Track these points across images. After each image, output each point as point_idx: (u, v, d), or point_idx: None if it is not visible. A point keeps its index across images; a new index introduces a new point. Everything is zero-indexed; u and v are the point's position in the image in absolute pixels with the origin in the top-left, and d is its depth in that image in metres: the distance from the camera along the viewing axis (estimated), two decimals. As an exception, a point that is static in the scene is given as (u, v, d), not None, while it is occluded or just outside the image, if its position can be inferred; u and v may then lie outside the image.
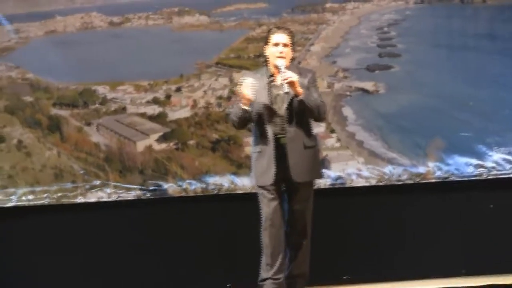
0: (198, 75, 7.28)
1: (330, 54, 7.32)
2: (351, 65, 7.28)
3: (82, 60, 7.30)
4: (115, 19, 7.42)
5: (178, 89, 7.28)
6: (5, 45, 7.32)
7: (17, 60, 7.32)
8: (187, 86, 7.27)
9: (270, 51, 5.07)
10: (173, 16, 7.39)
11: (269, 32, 5.15)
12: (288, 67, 4.95)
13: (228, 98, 7.19)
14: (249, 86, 4.94)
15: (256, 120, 5.07)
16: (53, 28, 7.35)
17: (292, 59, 5.26)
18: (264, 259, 5.23)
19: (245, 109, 5.02)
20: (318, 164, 5.46)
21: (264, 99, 5.07)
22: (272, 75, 5.08)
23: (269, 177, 5.02)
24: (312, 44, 7.29)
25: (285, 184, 5.19)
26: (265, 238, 5.19)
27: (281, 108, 5.06)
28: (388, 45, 7.32)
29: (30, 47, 7.32)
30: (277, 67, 5.02)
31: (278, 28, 5.15)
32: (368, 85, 7.21)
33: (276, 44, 5.02)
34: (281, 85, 4.95)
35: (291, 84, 4.82)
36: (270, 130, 5.01)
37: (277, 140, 5.01)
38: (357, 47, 7.33)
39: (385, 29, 7.35)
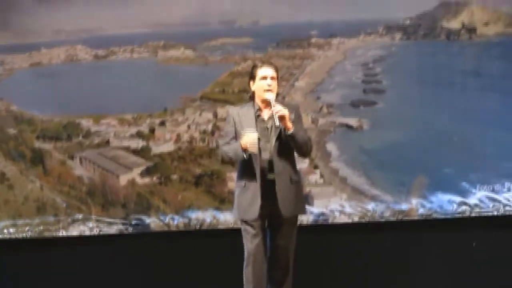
0: (182, 109, 7.43)
1: (314, 89, 7.47)
2: (336, 100, 7.43)
3: (66, 92, 7.47)
4: (100, 52, 7.58)
5: (162, 123, 7.44)
6: None
7: (1, 92, 7.48)
8: (171, 120, 7.42)
9: (258, 85, 5.09)
10: (158, 50, 7.56)
11: (254, 67, 5.17)
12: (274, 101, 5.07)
13: (212, 133, 7.33)
14: (255, 142, 4.98)
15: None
16: (38, 60, 7.52)
17: (277, 94, 5.33)
18: None
19: (245, 158, 5.06)
20: (303, 199, 5.50)
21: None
22: (259, 110, 5.12)
23: (254, 211, 5.02)
24: (296, 79, 7.45)
25: (269, 220, 5.25)
26: (248, 274, 5.25)
27: (270, 143, 5.13)
28: (373, 81, 7.47)
29: (15, 79, 7.49)
30: (265, 101, 5.11)
31: (264, 61, 5.20)
32: (352, 121, 7.36)
33: (264, 78, 5.06)
34: (269, 119, 5.07)
35: (282, 118, 4.84)
36: (257, 166, 5.01)
37: (264, 174, 5.03)
38: (342, 83, 7.48)
39: (370, 65, 7.51)
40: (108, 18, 7.43)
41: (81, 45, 7.58)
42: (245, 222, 5.19)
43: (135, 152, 7.42)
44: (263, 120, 5.17)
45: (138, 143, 7.42)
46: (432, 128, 7.23)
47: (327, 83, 7.50)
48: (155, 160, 7.38)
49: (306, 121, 7.18)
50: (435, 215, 7.16)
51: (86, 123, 7.46)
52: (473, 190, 7.16)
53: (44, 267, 7.21)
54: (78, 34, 7.57)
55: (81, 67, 7.57)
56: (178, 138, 7.39)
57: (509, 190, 7.15)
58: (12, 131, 7.43)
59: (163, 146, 7.40)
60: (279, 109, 4.90)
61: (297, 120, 5.20)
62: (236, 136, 5.16)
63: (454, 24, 7.44)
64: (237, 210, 5.25)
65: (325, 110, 7.39)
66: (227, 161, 5.40)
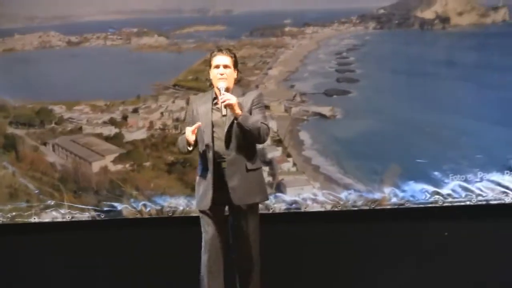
0: (155, 97, 7.64)
1: (288, 78, 7.67)
2: (309, 89, 7.63)
3: (39, 79, 7.69)
4: (73, 39, 7.79)
5: (135, 110, 7.65)
6: None
7: None
8: (144, 107, 7.64)
9: (212, 73, 5.27)
10: (132, 37, 7.77)
11: (211, 55, 5.33)
12: (231, 89, 5.21)
13: (184, 120, 7.49)
14: (190, 137, 5.15)
15: (200, 146, 5.27)
16: (11, 46, 7.72)
17: (238, 81, 5.53)
18: (202, 284, 5.51)
19: (189, 149, 5.29)
20: (263, 187, 5.61)
21: (207, 122, 5.32)
22: (215, 98, 5.26)
23: (207, 201, 5.20)
24: (270, 68, 7.65)
25: (228, 208, 5.44)
26: (204, 262, 5.46)
27: (222, 131, 5.29)
28: (347, 70, 7.67)
29: None
30: (219, 89, 5.28)
31: (219, 50, 5.32)
32: (326, 110, 7.55)
33: (217, 66, 5.22)
34: (221, 107, 5.21)
35: (229, 106, 4.99)
36: (210, 154, 5.18)
37: (217, 164, 5.20)
38: (315, 72, 7.68)
39: (344, 54, 7.70)
40: (81, 5, 7.67)
41: (54, 31, 7.78)
42: (202, 211, 5.39)
43: (108, 139, 7.61)
44: (218, 109, 5.29)
45: (111, 130, 7.61)
46: (405, 117, 7.40)
47: (300, 72, 7.69)
48: (128, 147, 7.58)
49: (279, 109, 7.47)
50: (407, 204, 7.33)
51: (58, 109, 7.66)
52: (446, 180, 7.33)
53: (16, 253, 7.44)
54: (51, 20, 7.76)
55: (54, 53, 7.77)
56: (151, 125, 7.59)
57: (481, 180, 7.31)
58: None
59: (136, 133, 7.60)
60: (226, 98, 5.06)
61: (256, 106, 5.36)
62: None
63: (428, 14, 7.62)
64: (196, 200, 5.49)
65: (298, 98, 7.58)
66: (180, 151, 5.53)
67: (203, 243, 5.45)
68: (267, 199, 5.77)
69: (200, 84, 7.61)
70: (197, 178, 5.44)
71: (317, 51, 7.72)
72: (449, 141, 7.37)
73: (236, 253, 5.49)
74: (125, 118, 7.63)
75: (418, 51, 7.63)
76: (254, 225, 5.44)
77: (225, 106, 5.07)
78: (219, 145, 5.27)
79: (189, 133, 5.14)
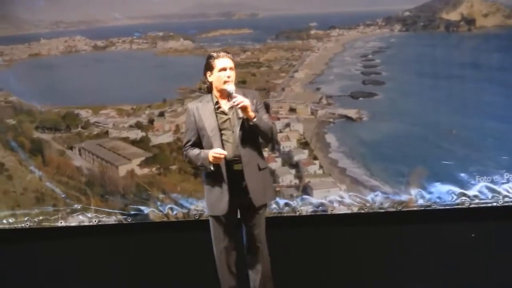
0: (181, 100, 7.79)
1: (314, 81, 7.85)
2: (335, 92, 7.80)
3: (65, 83, 7.88)
4: (99, 43, 7.99)
5: (161, 114, 7.82)
6: None
7: (0, 82, 7.89)
8: (170, 111, 7.81)
9: (217, 76, 5.31)
10: (158, 41, 7.96)
11: (210, 57, 5.37)
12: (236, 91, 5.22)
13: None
14: (221, 158, 5.18)
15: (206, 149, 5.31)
16: (37, 51, 7.92)
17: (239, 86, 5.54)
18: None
19: (212, 169, 5.27)
20: (272, 186, 5.80)
21: (213, 127, 5.33)
22: (217, 102, 5.36)
23: (223, 206, 5.30)
24: (296, 71, 7.82)
25: (240, 211, 5.47)
26: (221, 268, 5.63)
27: (234, 133, 5.32)
28: (372, 72, 7.83)
29: (14, 70, 7.91)
30: (224, 92, 5.32)
31: (220, 52, 5.38)
32: (352, 113, 7.72)
33: (224, 69, 5.28)
34: (230, 109, 5.34)
35: (243, 108, 5.08)
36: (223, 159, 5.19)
37: (230, 166, 5.29)
38: (341, 74, 7.85)
39: (370, 56, 7.87)
40: (107, 9, 7.86)
41: (80, 36, 7.98)
42: (214, 217, 5.49)
43: (134, 142, 7.80)
44: (223, 112, 5.43)
45: (137, 134, 7.80)
46: (431, 119, 7.55)
47: (326, 75, 7.86)
48: (154, 151, 7.76)
49: (305, 112, 7.65)
50: (434, 206, 7.48)
51: (85, 114, 7.85)
52: (472, 181, 7.48)
53: (43, 257, 7.63)
54: (77, 25, 7.96)
55: (80, 58, 7.97)
56: (177, 129, 7.74)
57: (508, 181, 7.46)
58: (11, 121, 7.82)
59: (162, 137, 7.78)
60: (240, 100, 5.17)
61: (259, 106, 5.49)
62: (199, 131, 5.46)
63: (453, 15, 7.79)
64: (207, 206, 5.57)
65: (324, 101, 7.75)
66: (192, 165, 5.75)
67: (216, 250, 5.59)
68: (275, 197, 6.18)
69: (225, 87, 7.72)
70: (206, 184, 5.47)
71: (342, 54, 7.89)
72: (475, 142, 7.52)
73: (249, 254, 5.64)
74: (151, 122, 7.80)
75: (443, 53, 7.78)
76: (264, 224, 5.60)
77: (240, 108, 5.18)
78: (229, 148, 5.37)
79: (216, 156, 5.22)
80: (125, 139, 7.80)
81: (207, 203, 5.48)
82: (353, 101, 7.75)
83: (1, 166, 7.77)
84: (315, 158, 7.68)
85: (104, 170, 7.76)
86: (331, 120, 7.73)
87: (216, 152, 5.19)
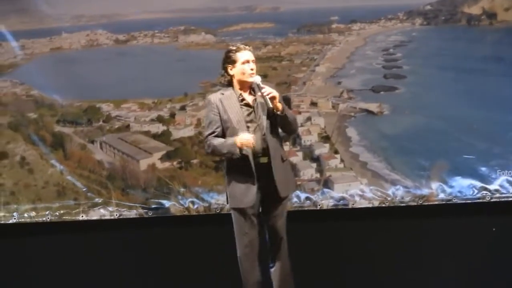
0: (202, 94, 7.87)
1: (335, 74, 7.99)
2: (356, 86, 7.94)
3: (86, 77, 8.01)
4: (121, 37, 8.14)
5: (183, 108, 7.97)
6: (11, 62, 8.03)
7: (22, 76, 8.02)
8: (192, 105, 7.95)
9: (240, 69, 5.35)
10: (179, 35, 8.10)
11: (231, 51, 5.41)
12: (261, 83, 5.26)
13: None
14: (251, 141, 5.18)
15: None
16: (58, 45, 8.07)
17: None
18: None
19: (239, 155, 5.26)
20: (293, 177, 5.95)
21: (239, 118, 5.35)
22: (241, 94, 5.40)
23: (250, 197, 5.31)
24: (317, 65, 7.96)
25: (262, 204, 5.45)
26: (245, 263, 5.63)
27: (259, 125, 5.35)
28: (394, 66, 7.97)
29: (35, 64, 8.04)
30: (246, 85, 5.39)
31: (240, 45, 5.44)
32: (373, 106, 7.85)
33: (247, 61, 5.33)
34: (254, 101, 5.40)
35: (273, 98, 5.13)
36: (249, 151, 5.27)
37: (256, 159, 5.30)
38: (363, 68, 7.99)
39: (391, 50, 8.01)
40: (128, 3, 7.99)
41: (102, 30, 8.14)
42: (238, 210, 5.50)
43: (155, 136, 7.94)
44: (247, 104, 5.49)
45: (159, 128, 7.93)
46: (452, 113, 7.70)
47: (347, 69, 8.00)
48: (175, 145, 7.89)
49: (327, 106, 7.79)
50: (455, 200, 7.60)
51: (106, 107, 7.99)
52: (493, 175, 7.60)
53: (64, 251, 7.72)
54: (98, 19, 8.10)
55: (101, 52, 8.12)
56: (199, 122, 7.86)
57: (529, 175, 7.49)
58: (32, 115, 7.96)
59: (184, 131, 7.91)
60: (270, 91, 5.25)
61: (281, 98, 5.50)
62: (222, 123, 5.48)
63: (475, 9, 7.91)
64: (231, 198, 5.55)
65: (345, 95, 7.88)
66: (215, 155, 5.75)
67: (241, 244, 5.59)
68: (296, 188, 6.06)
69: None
70: (229, 175, 5.46)
71: (364, 48, 8.03)
72: (496, 136, 7.64)
73: (272, 245, 5.67)
74: (172, 115, 7.93)
75: (465, 47, 7.94)
76: (285, 215, 5.66)
77: (270, 98, 5.24)
78: (255, 141, 5.38)
79: (249, 140, 5.26)
80: (146, 133, 7.93)
81: (230, 195, 5.45)
82: (374, 95, 7.89)
83: (22, 160, 7.88)
84: (336, 152, 7.80)
85: (125, 164, 7.88)
86: (352, 114, 7.85)
87: (243, 138, 5.25)
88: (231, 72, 5.46)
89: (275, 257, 5.66)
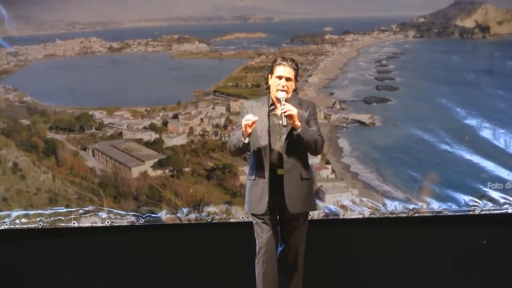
0: (195, 103, 8.29)
1: (328, 85, 8.36)
2: (349, 97, 8.32)
3: (80, 84, 8.36)
4: (115, 45, 8.48)
5: (175, 116, 8.30)
6: (4, 68, 8.34)
7: (15, 82, 8.34)
8: (184, 114, 8.29)
9: (273, 82, 5.63)
10: (173, 43, 8.44)
11: (274, 61, 5.70)
12: (289, 99, 5.56)
13: (225, 127, 8.16)
14: (250, 121, 5.39)
15: (253, 150, 5.61)
16: (52, 52, 8.40)
17: (294, 90, 5.79)
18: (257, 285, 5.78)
19: (245, 142, 5.51)
20: (313, 196, 5.99)
21: (263, 127, 5.60)
22: (272, 104, 5.65)
23: (262, 206, 5.55)
24: (310, 75, 8.33)
25: (279, 215, 5.71)
26: (260, 268, 5.84)
27: (280, 140, 5.59)
28: (386, 78, 8.37)
29: (29, 70, 8.38)
30: (276, 98, 5.60)
31: (284, 59, 5.66)
32: (365, 118, 8.24)
33: (280, 77, 5.58)
34: (281, 116, 5.48)
35: (289, 117, 5.36)
36: (267, 161, 5.54)
37: (273, 170, 5.56)
38: (355, 79, 8.38)
39: (384, 62, 8.40)
40: (123, 11, 8.36)
41: (96, 37, 8.46)
42: (255, 216, 5.80)
43: (148, 144, 8.27)
44: (275, 115, 5.76)
45: (151, 136, 8.27)
46: (444, 126, 8.08)
47: (340, 79, 8.38)
48: (168, 153, 8.21)
49: (319, 116, 7.96)
50: (445, 212, 7.99)
51: (99, 115, 8.31)
52: (484, 188, 8.02)
53: (56, 258, 8.05)
54: (93, 26, 8.44)
55: (95, 59, 8.45)
56: (191, 131, 8.22)
57: (522, 188, 7.85)
58: (25, 121, 8.27)
59: (176, 139, 8.24)
60: (288, 109, 5.50)
61: (312, 118, 5.84)
62: None
63: (468, 22, 8.32)
64: (247, 204, 5.87)
65: (338, 106, 8.25)
66: (233, 152, 5.86)
67: (257, 248, 5.84)
68: (316, 209, 6.42)
69: (240, 90, 8.30)
70: (249, 182, 5.75)
71: (357, 59, 8.41)
72: (487, 149, 8.04)
73: (281, 258, 5.91)
74: (165, 124, 8.27)
75: (457, 59, 8.35)
76: (303, 234, 5.92)
77: (286, 116, 5.52)
78: (275, 152, 5.62)
79: (248, 121, 5.43)
80: (139, 141, 8.25)
81: (247, 200, 5.74)
82: (367, 106, 8.27)
83: (14, 166, 8.19)
84: (328, 162, 8.15)
85: (117, 172, 8.19)
86: (344, 125, 8.21)
87: (247, 119, 5.52)
88: (269, 82, 5.77)
89: (282, 272, 5.93)
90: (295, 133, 5.49)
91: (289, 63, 5.67)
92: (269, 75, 5.76)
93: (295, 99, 5.77)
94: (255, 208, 5.68)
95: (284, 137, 5.58)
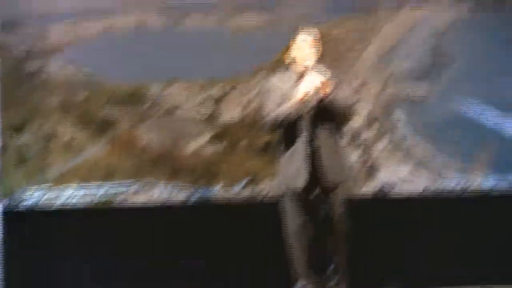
0: (252, 76, 8.46)
1: (383, 58, 8.56)
2: (403, 70, 8.53)
3: (135, 58, 8.54)
4: (172, 18, 8.69)
5: (232, 89, 8.52)
6: (61, 42, 8.60)
7: (71, 56, 8.62)
8: (241, 87, 8.51)
9: (298, 52, 5.72)
10: (230, 16, 8.64)
11: (295, 33, 5.75)
12: (313, 68, 5.55)
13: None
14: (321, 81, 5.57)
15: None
16: (109, 26, 8.63)
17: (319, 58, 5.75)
18: (297, 268, 6.04)
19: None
20: (346, 165, 6.20)
21: (293, 100, 5.79)
22: (301, 76, 5.61)
23: (302, 179, 5.57)
24: (365, 48, 8.54)
25: (319, 188, 5.67)
26: (296, 248, 5.96)
27: (311, 110, 5.60)
28: (442, 52, 8.56)
29: (85, 44, 8.65)
30: (305, 67, 5.62)
31: (304, 28, 5.77)
32: (420, 92, 8.45)
33: (305, 45, 5.68)
34: (311, 85, 5.64)
35: (322, 84, 5.38)
36: (301, 133, 5.61)
37: (308, 142, 5.61)
38: (410, 53, 8.56)
39: (440, 35, 8.60)
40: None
41: (153, 11, 8.70)
42: (291, 192, 5.86)
43: (204, 118, 8.51)
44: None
45: (207, 110, 8.52)
46: (500, 100, 8.32)
47: (394, 53, 8.58)
48: (223, 127, 8.46)
49: (374, 90, 8.41)
50: (501, 189, 8.19)
51: (155, 89, 8.56)
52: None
53: (113, 233, 8.30)
54: (150, 0, 8.69)
55: (151, 33, 8.68)
56: (247, 105, 8.45)
57: None
58: (81, 97, 8.56)
59: (232, 113, 8.48)
60: (316, 77, 5.64)
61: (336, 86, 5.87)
62: None
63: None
64: (283, 179, 5.95)
65: (392, 79, 8.47)
66: (274, 126, 5.91)
67: (293, 227, 5.91)
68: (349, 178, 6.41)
69: (298, 63, 8.47)
70: (283, 158, 5.77)
71: (411, 32, 8.60)
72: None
73: (328, 234, 5.97)
74: (221, 97, 8.50)
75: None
76: (342, 204, 5.94)
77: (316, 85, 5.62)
78: (308, 124, 5.63)
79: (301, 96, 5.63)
80: (195, 115, 8.50)
81: (283, 176, 5.74)
82: (423, 80, 8.48)
83: (71, 141, 8.48)
84: (383, 135, 8.37)
85: (173, 146, 8.43)
86: (400, 98, 8.43)
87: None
88: (292, 54, 5.96)
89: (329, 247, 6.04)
90: (328, 100, 5.66)
91: (310, 30, 5.80)
92: (292, 47, 5.81)
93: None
94: (293, 182, 5.69)
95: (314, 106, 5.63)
